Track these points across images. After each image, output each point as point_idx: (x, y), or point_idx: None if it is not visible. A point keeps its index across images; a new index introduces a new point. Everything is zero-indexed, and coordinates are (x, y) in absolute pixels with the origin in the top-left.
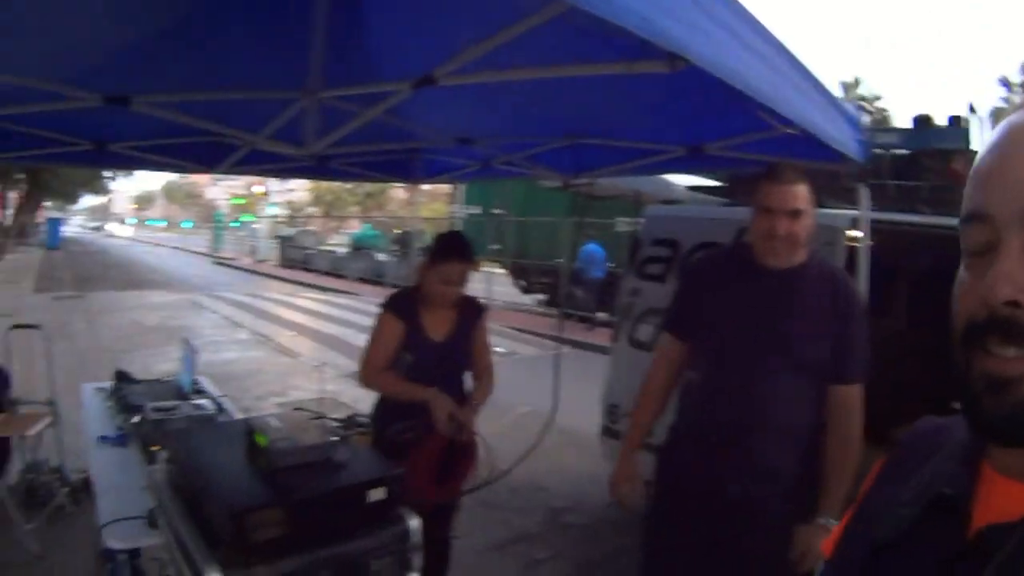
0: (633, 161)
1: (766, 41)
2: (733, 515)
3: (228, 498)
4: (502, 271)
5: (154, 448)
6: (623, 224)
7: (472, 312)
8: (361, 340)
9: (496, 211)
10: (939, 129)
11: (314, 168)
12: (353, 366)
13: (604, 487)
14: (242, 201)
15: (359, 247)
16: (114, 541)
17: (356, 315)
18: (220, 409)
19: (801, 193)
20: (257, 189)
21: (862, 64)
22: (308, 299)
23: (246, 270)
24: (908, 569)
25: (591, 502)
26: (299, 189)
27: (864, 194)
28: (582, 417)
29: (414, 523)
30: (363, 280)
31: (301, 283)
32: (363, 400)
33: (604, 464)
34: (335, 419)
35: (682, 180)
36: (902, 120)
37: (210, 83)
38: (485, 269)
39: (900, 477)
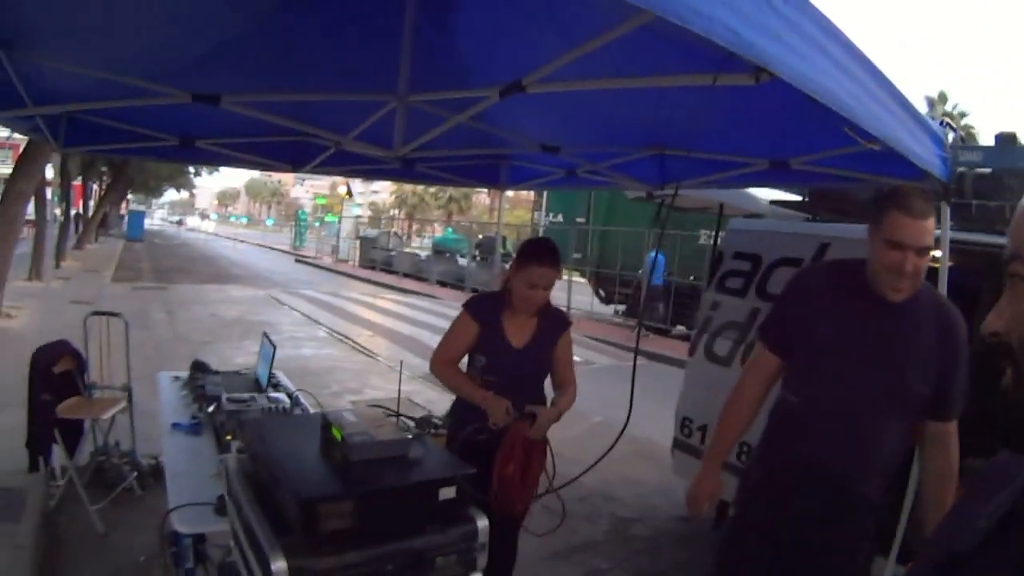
0: (717, 173)
1: (852, 55)
2: (817, 551)
3: (299, 487)
4: (582, 280)
5: (228, 438)
6: (705, 237)
7: (556, 323)
8: (435, 341)
9: (579, 220)
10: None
11: (400, 171)
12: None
13: (672, 499)
14: (325, 201)
15: (441, 250)
16: (181, 525)
17: (434, 317)
18: (295, 403)
19: (931, 227)
20: (341, 190)
21: (951, 79)
22: (387, 300)
23: (327, 269)
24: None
25: (658, 514)
26: (383, 191)
27: (946, 213)
28: (654, 429)
29: (482, 523)
30: (443, 283)
31: (381, 284)
32: (437, 402)
33: (674, 477)
34: (410, 417)
35: (766, 194)
36: (989, 138)
37: (299, 84)
38: (566, 278)
39: (979, 501)
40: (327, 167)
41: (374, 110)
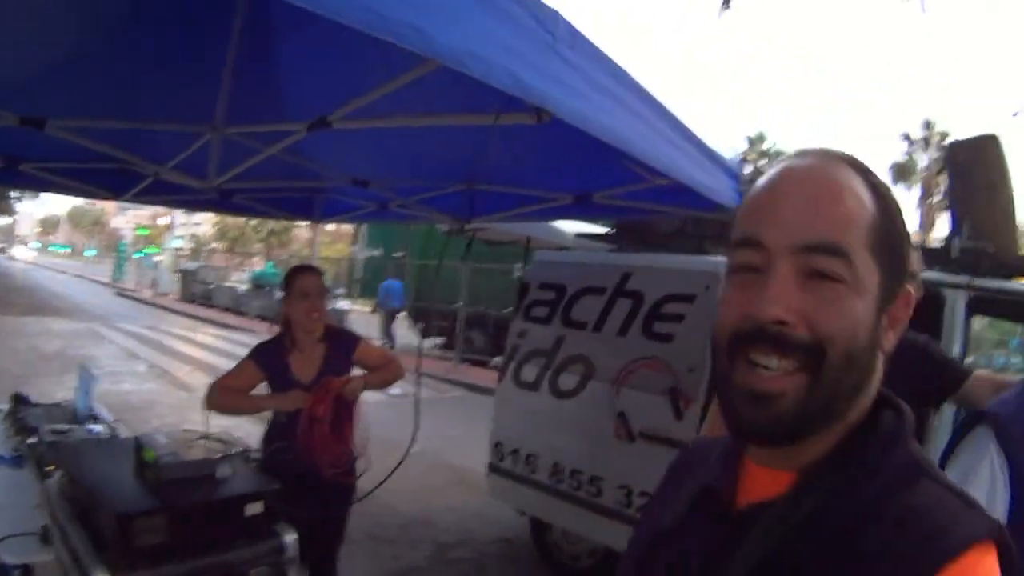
0: (524, 207)
1: (643, 100)
2: None
3: (115, 504)
4: (401, 314)
5: (49, 468)
6: (519, 270)
7: (344, 344)
8: None
9: (397, 254)
10: None
11: (218, 202)
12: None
13: (492, 522)
14: (146, 232)
15: (260, 284)
16: (8, 556)
17: None
18: (114, 433)
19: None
20: (162, 221)
21: (769, 121)
22: (207, 335)
23: (147, 302)
24: (682, 548)
25: (478, 537)
26: (204, 223)
27: None
28: (472, 456)
29: (290, 538)
30: (262, 318)
31: (201, 318)
32: (255, 435)
33: (492, 501)
34: (220, 440)
35: (573, 227)
36: None
37: (124, 112)
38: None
39: (677, 482)
40: (147, 196)
41: (193, 140)
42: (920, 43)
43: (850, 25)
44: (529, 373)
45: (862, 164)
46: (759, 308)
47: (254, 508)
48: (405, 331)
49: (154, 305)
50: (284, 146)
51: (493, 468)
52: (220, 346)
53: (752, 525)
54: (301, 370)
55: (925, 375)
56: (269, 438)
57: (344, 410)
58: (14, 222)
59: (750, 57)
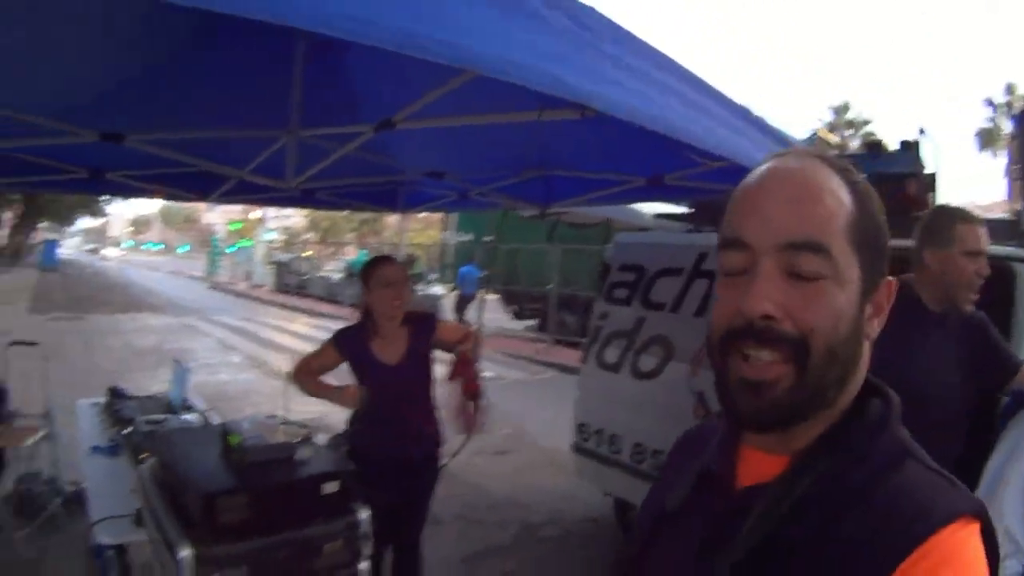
0: (599, 191)
1: (695, 87)
2: None
3: (200, 485)
4: (494, 297)
5: (143, 456)
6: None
7: (424, 328)
8: None
9: (487, 238)
10: (891, 154)
11: (301, 198)
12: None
13: (578, 503)
14: (239, 226)
15: (353, 273)
16: (104, 537)
17: None
18: (207, 422)
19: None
20: (254, 215)
21: (858, 89)
22: (302, 324)
23: (241, 295)
24: (683, 530)
25: (565, 517)
26: (295, 215)
27: None
28: (562, 438)
29: (364, 515)
30: (356, 306)
31: (296, 308)
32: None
33: (579, 481)
34: (303, 425)
35: (650, 208)
36: (894, 143)
37: (198, 122)
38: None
39: (679, 465)
40: (232, 196)
41: (268, 145)
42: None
43: None
44: (611, 355)
45: (840, 163)
46: (747, 305)
47: (330, 487)
48: (496, 314)
49: (249, 297)
50: (356, 145)
51: (577, 449)
52: (315, 335)
53: (749, 508)
54: (384, 352)
55: (988, 357)
56: (354, 420)
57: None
58: (105, 223)
59: (828, 26)
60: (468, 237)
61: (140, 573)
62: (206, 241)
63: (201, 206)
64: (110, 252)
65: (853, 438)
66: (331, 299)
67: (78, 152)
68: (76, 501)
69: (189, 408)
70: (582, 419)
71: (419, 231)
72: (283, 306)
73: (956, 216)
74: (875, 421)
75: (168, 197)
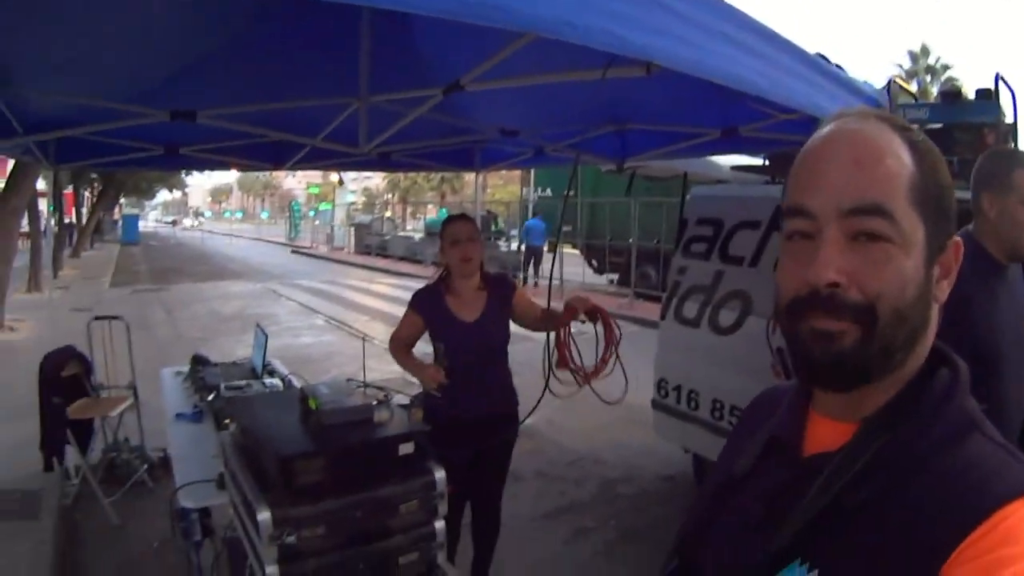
0: (674, 144)
1: (763, 38)
2: None
3: (278, 448)
4: (575, 252)
5: (226, 421)
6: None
7: (503, 289)
8: None
9: (568, 193)
10: (969, 103)
11: (376, 161)
12: (427, 347)
13: (656, 459)
14: (318, 190)
15: (434, 232)
16: (187, 501)
17: None
18: (288, 386)
19: None
20: (333, 178)
21: (938, 33)
22: (384, 284)
23: (323, 258)
24: (748, 496)
25: (643, 474)
26: (375, 176)
27: None
28: (643, 393)
29: (440, 475)
30: (438, 264)
31: (377, 269)
32: None
33: (658, 438)
34: (380, 387)
35: (727, 160)
36: (974, 89)
37: (268, 95)
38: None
39: (748, 430)
40: (307, 163)
41: (340, 112)
42: None
43: None
44: (690, 310)
45: (899, 121)
46: (812, 273)
47: (406, 448)
48: (576, 268)
49: (330, 260)
50: (426, 108)
51: (656, 405)
52: (397, 295)
53: (816, 475)
54: (462, 310)
55: None
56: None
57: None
58: (185, 195)
59: None
60: (547, 193)
61: (224, 544)
62: (285, 207)
63: (279, 173)
64: (188, 222)
65: (920, 407)
66: (412, 259)
67: (153, 130)
68: (162, 467)
69: (271, 373)
70: (661, 374)
71: (499, 187)
72: (364, 267)
73: (1016, 161)
74: (942, 390)
75: (243, 168)
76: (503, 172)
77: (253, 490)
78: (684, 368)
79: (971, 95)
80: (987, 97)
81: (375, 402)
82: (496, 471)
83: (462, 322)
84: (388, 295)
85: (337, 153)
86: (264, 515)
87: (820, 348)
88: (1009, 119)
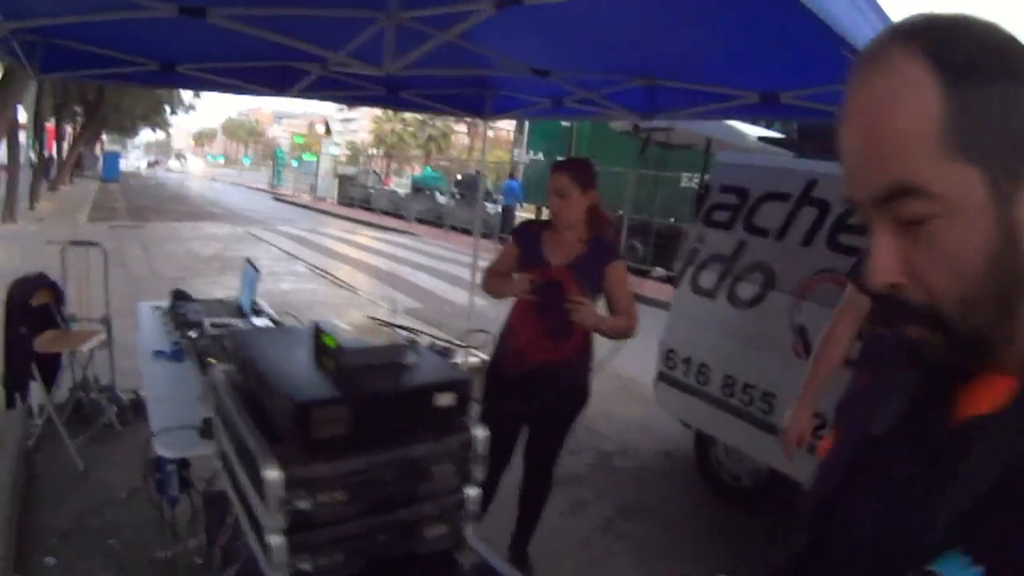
0: (706, 105)
1: None
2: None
3: (291, 393)
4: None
5: (211, 361)
6: (686, 180)
7: (604, 252)
8: (417, 278)
9: (559, 158)
10: None
11: (385, 97)
12: (410, 302)
13: (654, 435)
14: (303, 140)
15: (420, 188)
16: (165, 449)
17: (413, 254)
18: (279, 326)
19: None
20: (319, 128)
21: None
22: (366, 236)
23: (305, 207)
24: (896, 459)
25: (640, 448)
26: (361, 131)
27: None
28: (634, 366)
29: (481, 433)
30: (422, 221)
31: (360, 221)
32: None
33: (655, 413)
34: (409, 328)
35: (753, 130)
36: None
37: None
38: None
39: (880, 381)
40: (312, 92)
41: (364, 27)
42: None
43: None
44: (707, 280)
45: (929, 34)
46: (869, 280)
47: (444, 399)
48: None
49: (312, 209)
50: (462, 29)
51: (662, 376)
52: (380, 248)
53: (975, 440)
54: (552, 252)
55: None
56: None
57: (560, 319)
58: (168, 135)
59: None
60: (538, 157)
61: (203, 499)
62: (268, 154)
63: (265, 120)
64: (174, 164)
65: None
66: (395, 213)
67: (150, 41)
68: (132, 410)
69: (259, 312)
70: (670, 346)
71: (486, 150)
72: (347, 219)
73: None
74: None
75: (242, 91)
76: (491, 136)
77: (258, 443)
78: (696, 340)
79: None
80: None
81: (405, 343)
82: (557, 432)
83: (546, 262)
84: (371, 247)
85: (343, 84)
86: (273, 474)
87: (919, 351)
88: None
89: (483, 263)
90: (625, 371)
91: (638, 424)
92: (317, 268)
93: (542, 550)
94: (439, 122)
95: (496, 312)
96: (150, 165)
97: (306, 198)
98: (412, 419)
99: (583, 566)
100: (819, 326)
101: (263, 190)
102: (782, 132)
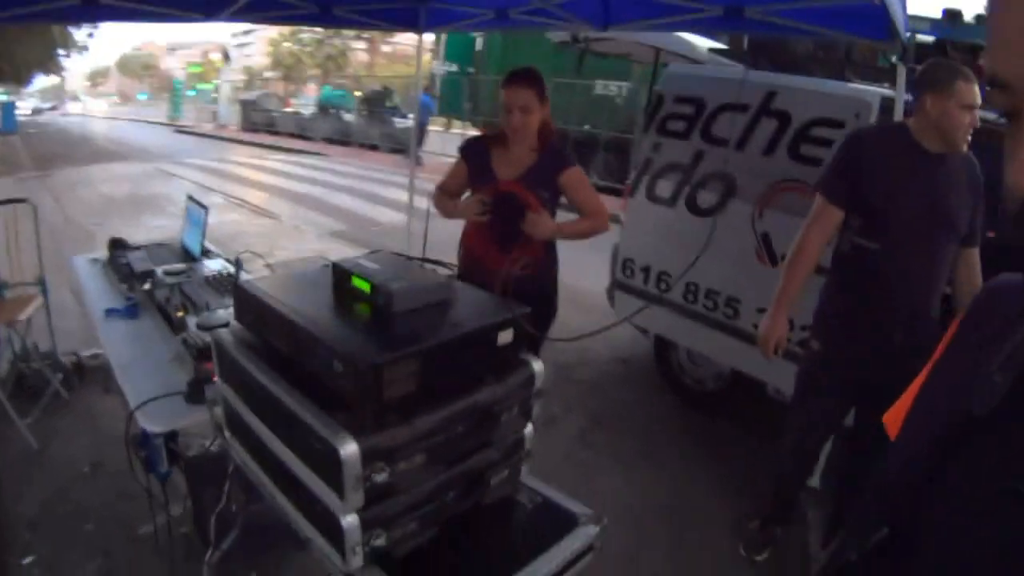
0: (666, 17)
1: None
2: (895, 357)
3: (356, 352)
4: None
5: (180, 314)
6: (601, 87)
7: (555, 160)
8: (336, 199)
9: (470, 69)
10: (969, 25)
11: (318, 16)
12: (334, 224)
13: (607, 344)
14: (199, 69)
15: (326, 107)
16: (151, 424)
17: (327, 175)
18: (239, 268)
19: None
20: (214, 56)
21: None
22: (276, 161)
23: (209, 136)
24: (1004, 444)
25: (597, 359)
26: (257, 55)
27: (902, 74)
28: (581, 277)
29: (539, 367)
30: (329, 140)
31: (267, 146)
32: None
33: (607, 319)
34: (438, 262)
35: (701, 43)
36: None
37: None
38: (456, 130)
39: (986, 341)
40: (243, 14)
41: None
42: None
43: None
44: (664, 188)
45: None
46: (1012, 183)
47: (505, 337)
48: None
49: (217, 138)
50: None
51: (620, 285)
52: (293, 171)
53: None
54: (501, 167)
55: (975, 192)
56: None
57: (517, 233)
58: (63, 80)
59: None
60: (453, 68)
61: (191, 466)
62: (165, 87)
63: (159, 52)
64: (73, 107)
65: None
66: (302, 135)
67: None
68: (79, 375)
69: (207, 253)
70: (627, 254)
71: (384, 65)
72: (253, 144)
73: (958, 72)
74: None
75: (169, 19)
76: (388, 50)
77: (313, 414)
78: (654, 249)
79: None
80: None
81: (447, 279)
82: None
83: (495, 177)
84: (284, 171)
85: (276, 3)
86: (350, 448)
87: None
88: None
89: (407, 181)
90: (572, 284)
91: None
92: (234, 198)
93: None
94: (337, 40)
95: (434, 234)
96: (46, 111)
97: (208, 127)
98: (476, 362)
99: (574, 484)
100: (782, 234)
101: (164, 124)
102: (727, 45)
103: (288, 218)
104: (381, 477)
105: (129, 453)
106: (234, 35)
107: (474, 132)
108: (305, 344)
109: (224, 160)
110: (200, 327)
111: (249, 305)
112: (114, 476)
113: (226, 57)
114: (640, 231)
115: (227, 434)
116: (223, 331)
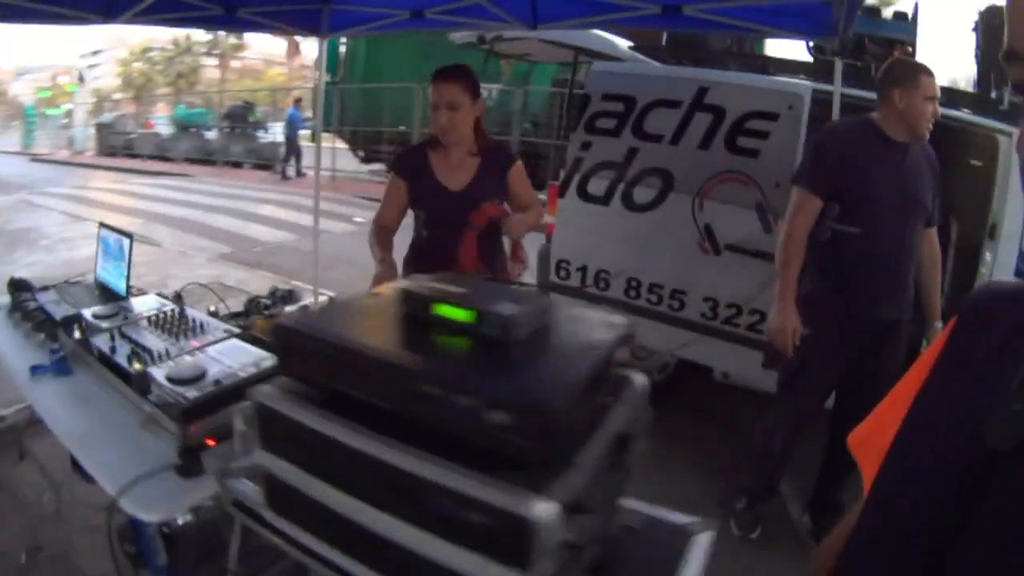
0: (601, 15)
1: None
2: (884, 332)
3: (522, 395)
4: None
5: (138, 366)
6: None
7: (499, 158)
8: (212, 220)
9: (335, 79)
10: (886, 20)
11: (222, 18)
12: (218, 247)
13: None
14: (49, 94)
15: (185, 126)
16: (142, 511)
17: (197, 196)
18: (180, 303)
19: None
20: (62, 79)
21: None
22: (142, 185)
23: (66, 163)
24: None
25: None
26: (105, 76)
27: (839, 68)
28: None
29: (641, 380)
30: (191, 160)
31: (129, 170)
32: (249, 281)
33: None
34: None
35: (620, 41)
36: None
37: None
38: (328, 144)
39: (992, 360)
40: (143, 17)
41: None
42: None
43: None
44: (597, 187)
45: None
46: None
47: (621, 353)
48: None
49: (75, 164)
50: None
51: (556, 288)
52: (162, 195)
53: None
54: (447, 177)
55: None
56: (411, 258)
57: (494, 242)
58: None
59: None
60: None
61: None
62: (15, 114)
63: (7, 77)
64: None
65: None
66: (163, 156)
67: None
68: None
69: (132, 290)
70: (561, 255)
71: (234, 81)
72: (113, 169)
73: (920, 68)
74: None
75: (66, 21)
76: (237, 66)
77: (470, 476)
78: (591, 248)
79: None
80: (903, 19)
81: (543, 298)
82: None
83: (444, 189)
84: (152, 195)
85: (179, 5)
86: (547, 510)
87: None
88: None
89: (278, 197)
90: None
91: None
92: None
93: None
94: (188, 57)
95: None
96: None
97: (64, 154)
98: (600, 383)
99: None
100: (725, 224)
101: (18, 152)
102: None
103: (170, 244)
104: (572, 535)
105: (113, 548)
106: (82, 56)
107: (341, 145)
108: (426, 394)
109: (86, 187)
110: (172, 380)
111: (309, 352)
112: (56, 561)
113: (80, 79)
114: (574, 231)
115: (267, 514)
116: (265, 388)
